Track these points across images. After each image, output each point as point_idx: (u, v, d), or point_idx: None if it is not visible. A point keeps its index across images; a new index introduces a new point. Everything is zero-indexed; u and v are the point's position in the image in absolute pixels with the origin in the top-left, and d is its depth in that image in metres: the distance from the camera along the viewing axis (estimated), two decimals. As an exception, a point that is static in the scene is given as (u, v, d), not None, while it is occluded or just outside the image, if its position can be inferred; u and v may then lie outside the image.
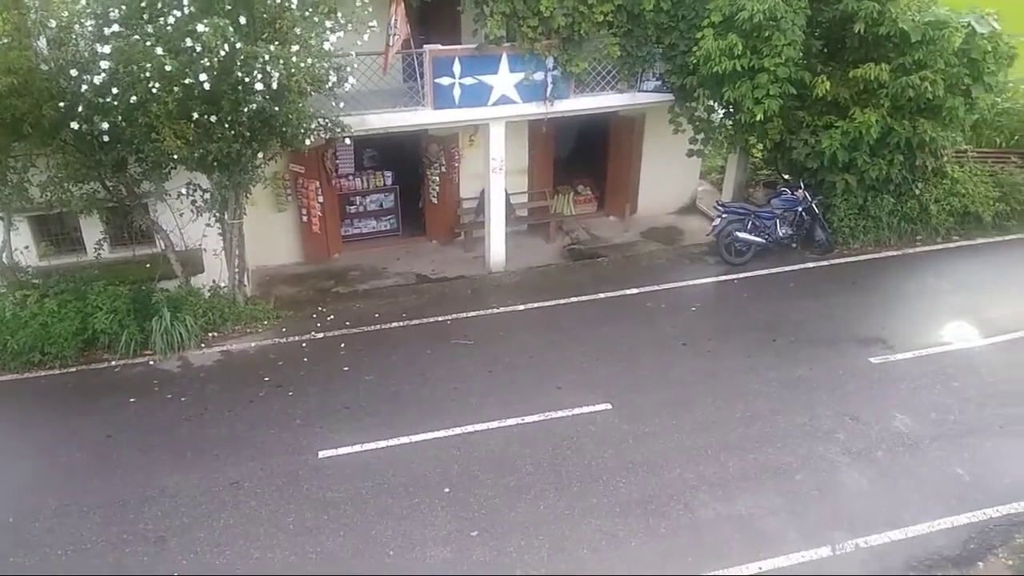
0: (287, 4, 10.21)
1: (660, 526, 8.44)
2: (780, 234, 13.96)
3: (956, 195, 14.50)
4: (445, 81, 12.53)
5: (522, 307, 12.93)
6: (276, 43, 10.03)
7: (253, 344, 11.93)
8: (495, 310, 12.86)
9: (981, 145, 16.13)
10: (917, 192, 14.21)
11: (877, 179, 13.66)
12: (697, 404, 10.35)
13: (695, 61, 12.89)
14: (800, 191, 13.96)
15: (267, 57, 9.70)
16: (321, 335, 12.13)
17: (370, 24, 10.86)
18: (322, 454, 9.50)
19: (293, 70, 10.00)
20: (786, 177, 14.50)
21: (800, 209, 14.00)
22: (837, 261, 14.04)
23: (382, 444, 9.65)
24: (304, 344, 11.89)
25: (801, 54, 12.80)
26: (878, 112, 12.80)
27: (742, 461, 9.35)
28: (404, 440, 9.72)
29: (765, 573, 7.88)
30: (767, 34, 12.29)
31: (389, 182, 15.21)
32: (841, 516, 8.56)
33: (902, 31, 12.33)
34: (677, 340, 11.85)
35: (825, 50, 13.62)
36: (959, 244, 14.55)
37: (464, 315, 12.66)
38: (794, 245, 14.17)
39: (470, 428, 9.92)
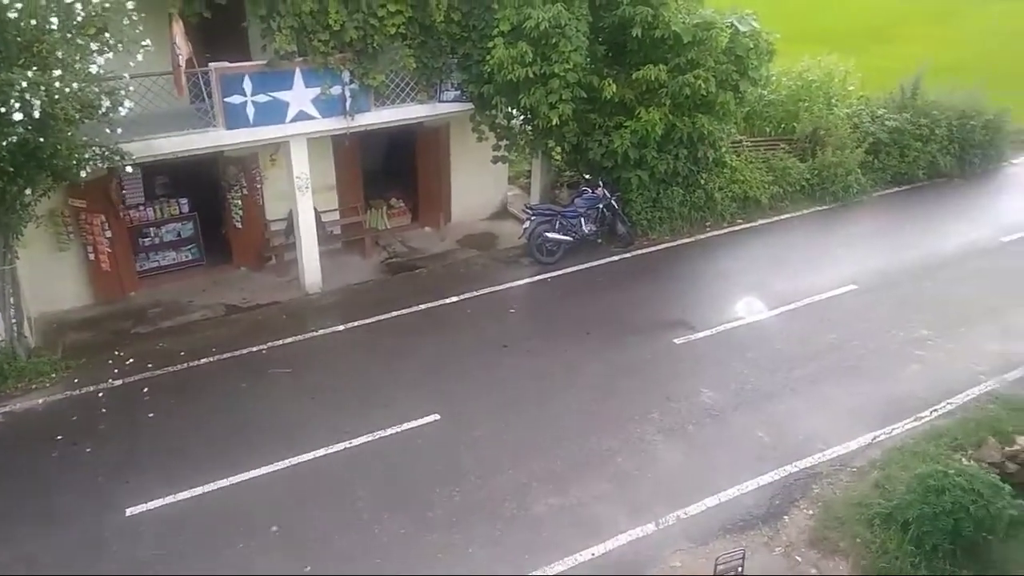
0: (46, 26, 9.30)
1: (496, 528, 8.53)
2: (586, 231, 14.60)
3: (736, 182, 15.87)
4: (236, 100, 11.95)
5: (342, 327, 12.61)
6: (35, 68, 9.10)
7: (41, 401, 10.75)
8: (314, 333, 12.45)
9: (753, 135, 17.75)
10: (703, 182, 15.39)
11: (666, 173, 14.66)
12: (523, 403, 10.58)
13: (489, 70, 13.18)
14: (600, 189, 14.67)
15: (24, 84, 8.78)
16: (120, 382, 11.15)
17: (143, 44, 10.13)
18: (130, 511, 8.73)
19: (57, 96, 9.13)
20: (587, 177, 15.20)
21: (602, 206, 14.72)
22: (639, 252, 14.89)
23: (198, 491, 9.01)
24: (101, 394, 10.88)
25: (588, 59, 13.47)
26: (661, 111, 13.71)
27: (569, 453, 9.66)
28: (223, 483, 9.14)
29: (598, 557, 8.19)
30: (554, 41, 12.79)
31: (186, 209, 14.29)
32: (661, 492, 9.07)
33: (675, 33, 13.28)
34: (499, 343, 12.05)
35: (609, 54, 14.41)
36: (743, 227, 15.91)
37: (281, 342, 12.14)
38: (599, 240, 14.88)
39: (296, 460, 9.52)
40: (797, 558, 8.33)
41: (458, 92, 14.00)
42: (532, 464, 9.46)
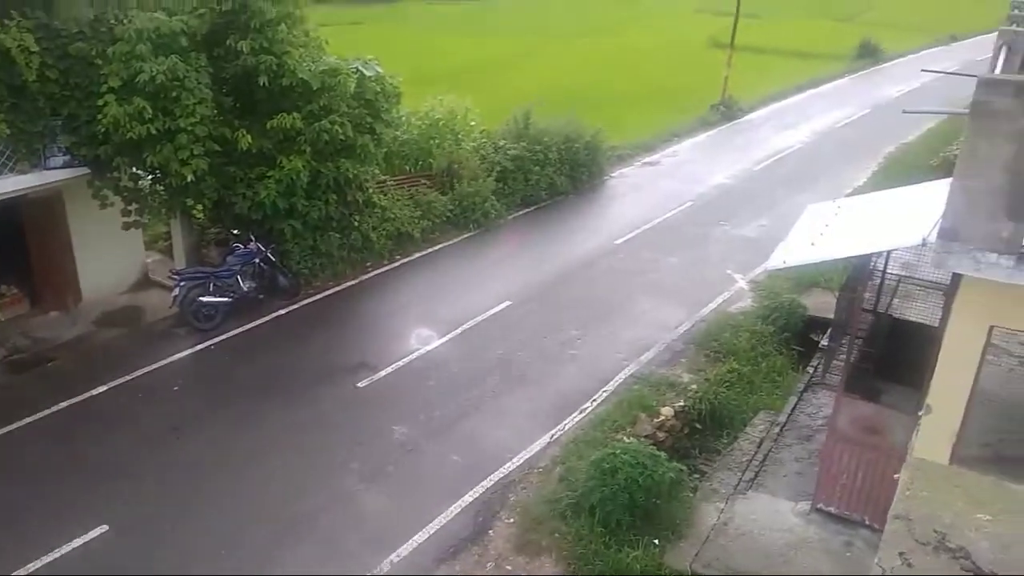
0: None
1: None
2: (245, 289, 13.85)
3: (389, 220, 16.32)
4: None
5: (-45, 452, 10.35)
6: None
7: None
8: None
9: (395, 174, 18.42)
10: (357, 224, 15.55)
11: (320, 219, 14.55)
12: (211, 493, 9.65)
13: (104, 129, 11.90)
14: (252, 243, 14.04)
15: None
16: None
17: None
18: None
19: None
20: (236, 232, 14.45)
21: (257, 260, 14.09)
22: (306, 302, 14.55)
23: None
24: None
25: (215, 111, 12.84)
26: (302, 158, 13.57)
27: (270, 528, 9.05)
28: None
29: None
30: (175, 95, 11.99)
31: None
32: (371, 541, 8.93)
33: (303, 81, 13.25)
34: (168, 428, 10.86)
35: (238, 105, 13.90)
36: (402, 262, 16.41)
37: None
38: (261, 296, 14.22)
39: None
40: (508, 567, 8.76)
41: (68, 156, 12.42)
42: (237, 552, 8.67)
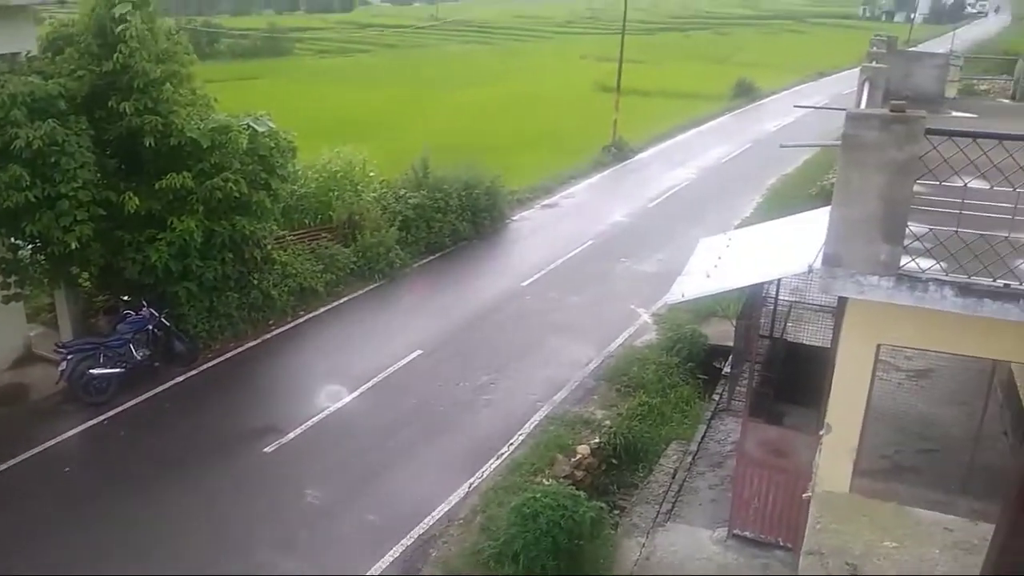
0: None
1: None
2: (138, 358, 13.16)
3: (290, 276, 15.94)
4: None
5: None
6: None
7: None
8: None
9: (295, 228, 18.08)
10: (256, 282, 15.11)
11: (216, 279, 14.05)
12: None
13: (-24, 200, 11.20)
14: (145, 309, 13.39)
15: None
16: None
17: None
18: None
19: None
20: (126, 298, 13.76)
21: (151, 327, 13.44)
22: (205, 366, 13.94)
23: None
24: None
25: (99, 174, 12.33)
26: (195, 217, 13.13)
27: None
28: None
29: None
30: (54, 160, 11.44)
31: None
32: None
33: (192, 139, 12.89)
34: (56, 517, 10.08)
35: (124, 167, 13.39)
36: (307, 317, 16.02)
37: None
38: (157, 364, 13.53)
39: None
40: (435, 626, 8.52)
41: (-65, 229, 11.61)
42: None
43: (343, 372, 13.72)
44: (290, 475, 10.93)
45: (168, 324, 13.67)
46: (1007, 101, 15.83)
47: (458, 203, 20.32)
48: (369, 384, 13.35)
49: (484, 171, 21.61)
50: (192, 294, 13.87)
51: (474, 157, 22.30)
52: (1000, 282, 5.61)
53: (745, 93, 44.00)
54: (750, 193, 24.92)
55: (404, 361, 14.16)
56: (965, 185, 6.07)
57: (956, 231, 5.74)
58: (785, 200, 22.16)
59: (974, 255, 5.62)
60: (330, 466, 11.12)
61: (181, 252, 13.24)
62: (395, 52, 77.37)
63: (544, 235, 21.66)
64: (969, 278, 5.64)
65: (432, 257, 19.56)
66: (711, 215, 22.13)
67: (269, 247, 15.67)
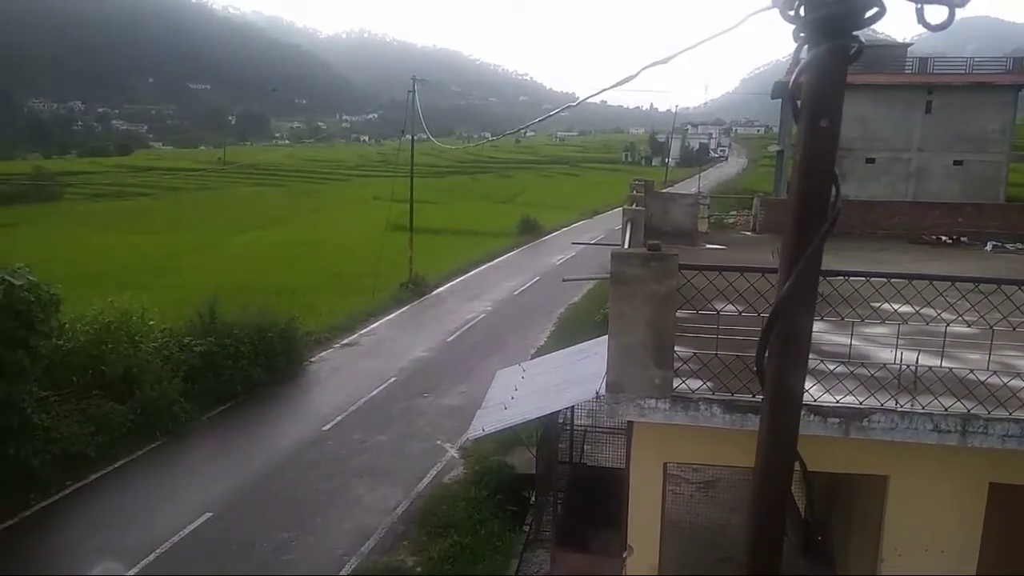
0: None
1: None
2: None
3: (54, 441, 14.15)
4: None
5: None
6: None
7: None
8: None
9: (60, 388, 16.25)
10: (12, 452, 13.27)
11: (-40, 453, 12.20)
12: None
13: None
14: None
15: None
16: None
17: None
18: None
19: None
20: None
21: None
22: (-58, 559, 11.81)
23: None
24: None
25: None
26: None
27: None
28: None
29: None
30: None
31: None
32: None
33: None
34: None
35: None
36: (75, 487, 14.16)
37: None
38: None
39: None
40: None
41: None
42: None
43: (120, 546, 12.18)
44: None
45: None
46: (749, 233, 18.25)
47: (251, 348, 19.43)
48: (151, 556, 11.93)
49: (278, 313, 21.01)
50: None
51: (270, 299, 21.77)
52: (759, 397, 6.26)
53: (530, 230, 47.10)
54: (543, 322, 26.19)
55: (192, 526, 12.86)
56: (719, 312, 6.83)
57: (716, 354, 6.39)
58: (575, 327, 23.51)
59: (734, 374, 6.25)
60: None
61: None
62: (179, 195, 74.94)
63: (345, 375, 21.19)
64: (732, 395, 6.24)
65: (223, 407, 18.34)
66: (509, 345, 22.90)
67: (29, 411, 13.91)
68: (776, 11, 2.41)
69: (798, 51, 2.40)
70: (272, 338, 20.15)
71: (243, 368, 19.04)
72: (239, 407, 18.54)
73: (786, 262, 2.59)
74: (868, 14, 2.35)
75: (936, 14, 2.40)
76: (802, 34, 2.38)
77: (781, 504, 2.77)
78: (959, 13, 2.42)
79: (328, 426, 17.36)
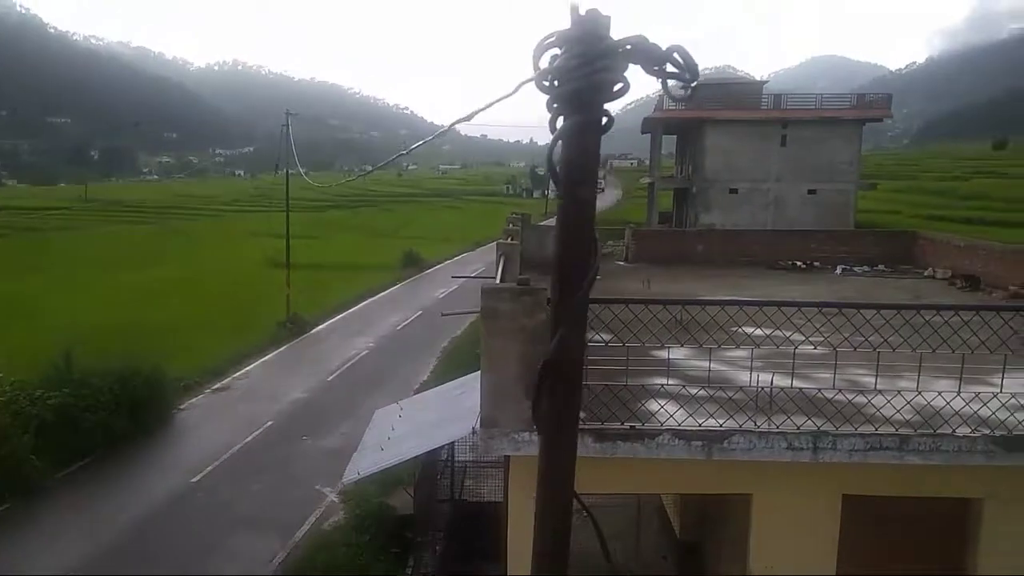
0: None
1: None
2: None
3: None
4: None
5: None
6: None
7: None
8: None
9: None
10: None
11: None
12: None
13: None
14: None
15: None
16: None
17: None
18: None
19: None
20: None
21: None
22: None
23: None
24: None
25: None
26: None
27: None
28: None
29: None
30: None
31: None
32: None
33: None
34: None
35: None
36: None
37: None
38: None
39: None
40: None
41: None
42: None
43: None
44: None
45: None
46: (622, 263, 18.84)
47: (111, 398, 18.13)
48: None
49: (144, 358, 19.77)
50: None
51: (136, 342, 20.51)
52: (627, 424, 6.40)
53: (413, 263, 46.80)
54: (426, 357, 25.95)
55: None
56: (587, 343, 6.94)
57: (586, 384, 6.48)
58: (457, 361, 23.40)
59: (603, 403, 6.36)
60: None
61: None
62: (37, 235, 69.98)
63: (217, 422, 20.14)
64: (603, 424, 6.35)
65: (82, 463, 17.01)
66: (391, 382, 22.51)
67: None
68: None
69: (553, 121, 2.44)
70: (136, 386, 18.89)
71: (103, 420, 17.72)
72: (100, 463, 17.23)
73: (553, 323, 2.66)
74: (615, 88, 2.41)
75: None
76: (555, 105, 2.42)
77: (564, 542, 2.85)
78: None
79: (197, 477, 16.41)
